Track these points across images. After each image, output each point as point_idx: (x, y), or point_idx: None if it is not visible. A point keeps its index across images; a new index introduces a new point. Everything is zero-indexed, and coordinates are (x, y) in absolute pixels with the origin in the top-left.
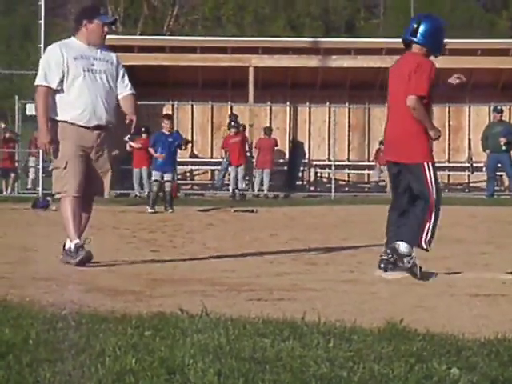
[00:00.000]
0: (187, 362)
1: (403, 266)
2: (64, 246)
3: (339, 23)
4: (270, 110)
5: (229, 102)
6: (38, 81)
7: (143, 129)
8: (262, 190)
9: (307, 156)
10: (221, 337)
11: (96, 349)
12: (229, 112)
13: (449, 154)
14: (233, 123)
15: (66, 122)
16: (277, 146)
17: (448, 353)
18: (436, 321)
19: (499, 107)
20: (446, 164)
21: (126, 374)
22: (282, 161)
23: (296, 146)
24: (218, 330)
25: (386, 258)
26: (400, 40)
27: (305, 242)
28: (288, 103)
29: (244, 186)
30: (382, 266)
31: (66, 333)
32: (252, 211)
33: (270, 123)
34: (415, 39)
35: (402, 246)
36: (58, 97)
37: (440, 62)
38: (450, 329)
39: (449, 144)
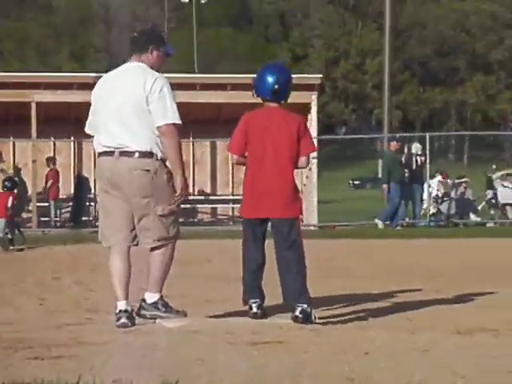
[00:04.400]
0: None
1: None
2: None
3: (124, 55)
4: (54, 145)
5: (11, 138)
6: (175, 118)
7: None
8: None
9: (93, 191)
10: None
11: None
12: (11, 148)
13: (232, 187)
14: None
15: (164, 161)
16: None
17: None
18: (212, 376)
19: (397, 136)
20: (231, 197)
21: None
22: (65, 196)
23: (81, 182)
24: None
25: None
26: (243, 75)
27: (87, 285)
28: (72, 138)
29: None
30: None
31: None
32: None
33: (54, 159)
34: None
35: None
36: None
37: (223, 97)
38: None
39: (232, 177)
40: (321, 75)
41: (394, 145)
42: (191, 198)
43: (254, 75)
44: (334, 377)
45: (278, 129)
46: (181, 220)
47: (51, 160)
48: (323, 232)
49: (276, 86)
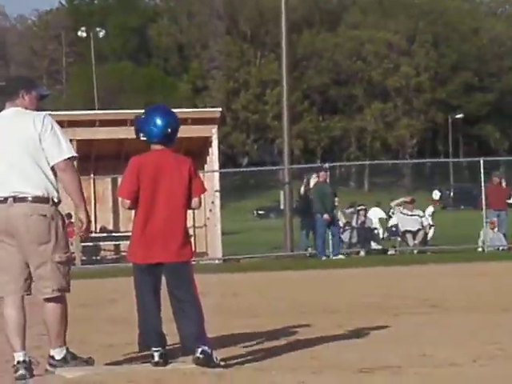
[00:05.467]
0: None
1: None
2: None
3: None
4: None
5: None
6: (71, 152)
7: None
8: None
9: None
10: None
11: None
12: None
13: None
14: None
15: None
16: None
17: None
18: None
19: (326, 165)
20: None
21: None
22: None
23: None
24: None
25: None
26: (142, 111)
27: None
28: None
29: None
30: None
31: None
32: None
33: None
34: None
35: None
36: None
37: (124, 132)
38: None
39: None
40: (220, 108)
41: (322, 175)
42: (93, 235)
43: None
44: None
45: (169, 172)
46: (83, 258)
47: None
48: (227, 265)
49: (169, 130)
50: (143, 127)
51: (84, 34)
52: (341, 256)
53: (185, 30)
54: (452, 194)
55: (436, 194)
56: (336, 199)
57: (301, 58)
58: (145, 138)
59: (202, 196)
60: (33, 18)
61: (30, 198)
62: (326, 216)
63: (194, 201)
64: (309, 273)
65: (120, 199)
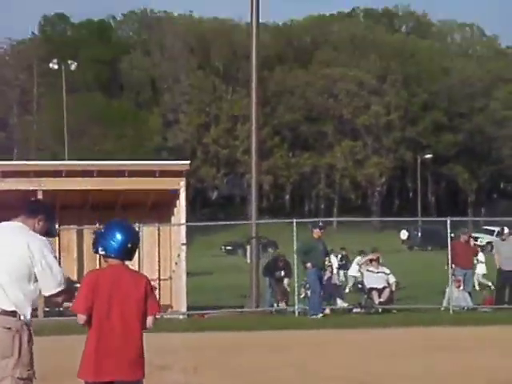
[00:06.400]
0: None
1: None
2: None
3: None
4: None
5: None
6: (62, 283)
7: None
8: None
9: None
10: None
11: None
12: None
13: None
14: None
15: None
16: None
17: None
18: None
19: (321, 223)
20: None
21: None
22: None
23: None
24: None
25: None
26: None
27: None
28: None
29: None
30: None
31: None
32: None
33: None
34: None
35: None
36: None
37: (90, 183)
38: None
39: (100, 264)
40: (189, 161)
41: (316, 232)
42: None
43: (122, 162)
44: None
45: (126, 289)
46: (46, 309)
47: None
48: (191, 323)
49: (129, 245)
50: (102, 241)
51: (55, 66)
52: (320, 315)
53: (157, 64)
54: (420, 234)
55: (404, 234)
56: (327, 259)
57: (272, 94)
58: (103, 252)
59: (168, 248)
60: (5, 46)
61: None
62: (309, 264)
63: (148, 319)
64: (274, 335)
65: (78, 316)
